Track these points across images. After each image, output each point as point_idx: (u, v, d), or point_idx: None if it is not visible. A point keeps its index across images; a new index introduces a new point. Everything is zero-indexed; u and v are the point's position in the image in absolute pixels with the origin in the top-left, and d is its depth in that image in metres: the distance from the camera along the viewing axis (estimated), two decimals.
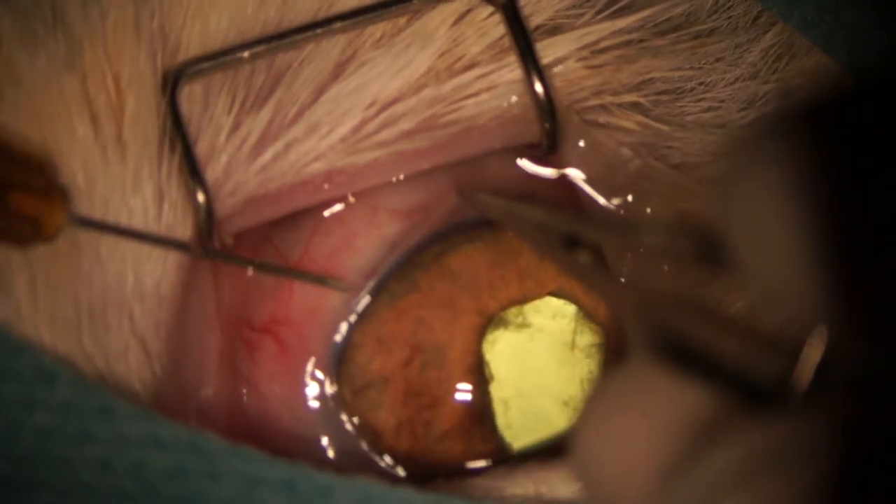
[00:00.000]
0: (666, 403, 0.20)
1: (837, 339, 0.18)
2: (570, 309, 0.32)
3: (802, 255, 0.17)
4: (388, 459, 0.31)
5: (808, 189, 0.17)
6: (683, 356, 0.20)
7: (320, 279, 0.32)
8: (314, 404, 0.32)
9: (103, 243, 0.28)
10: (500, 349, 0.32)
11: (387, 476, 0.31)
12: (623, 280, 0.28)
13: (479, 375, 0.32)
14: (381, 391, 0.31)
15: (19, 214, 0.26)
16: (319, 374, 0.32)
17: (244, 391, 0.32)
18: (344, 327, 0.32)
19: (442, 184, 0.31)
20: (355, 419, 0.31)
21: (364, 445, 0.31)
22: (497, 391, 0.32)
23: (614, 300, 0.29)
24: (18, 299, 0.27)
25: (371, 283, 0.32)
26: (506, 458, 0.31)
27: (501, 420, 0.32)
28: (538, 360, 0.32)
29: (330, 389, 0.31)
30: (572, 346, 0.32)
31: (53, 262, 0.28)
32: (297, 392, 0.31)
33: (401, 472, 0.31)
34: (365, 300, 0.32)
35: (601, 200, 0.31)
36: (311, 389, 0.32)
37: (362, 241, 0.32)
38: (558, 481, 0.29)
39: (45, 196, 0.27)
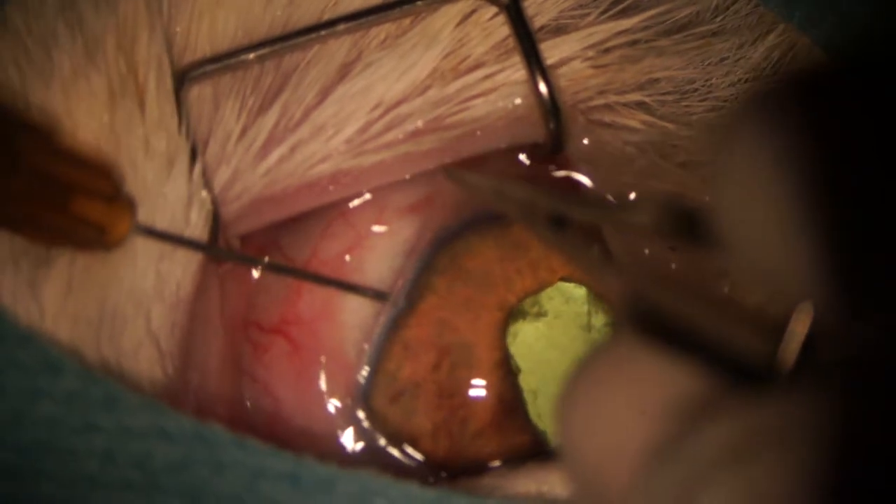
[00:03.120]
0: (653, 383, 0.19)
1: (828, 316, 0.18)
2: (581, 291, 0.32)
3: (790, 230, 0.17)
4: (409, 453, 0.31)
5: (794, 162, 0.17)
6: (670, 335, 0.20)
7: (362, 290, 0.32)
8: (329, 402, 0.32)
9: (140, 249, 0.29)
10: (522, 340, 0.32)
11: (404, 469, 0.31)
12: (611, 259, 0.28)
13: (507, 369, 0.32)
14: (414, 397, 0.32)
15: (82, 219, 0.27)
16: (334, 372, 0.32)
17: (250, 392, 0.32)
18: (361, 337, 0.32)
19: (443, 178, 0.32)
20: (388, 426, 0.31)
21: (381, 440, 0.31)
22: (525, 382, 0.32)
23: (601, 279, 0.28)
24: (47, 295, 0.28)
25: (398, 291, 0.32)
26: (544, 450, 0.32)
27: (532, 410, 0.32)
28: (558, 346, 0.32)
29: (346, 388, 0.31)
30: (589, 327, 0.32)
31: (95, 269, 0.28)
32: (310, 391, 0.31)
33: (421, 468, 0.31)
34: (384, 311, 0.32)
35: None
36: (328, 388, 0.32)
37: (372, 241, 0.32)
38: (558, 481, 0.29)
39: (110, 203, 0.27)
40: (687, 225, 0.20)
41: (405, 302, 0.31)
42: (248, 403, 0.32)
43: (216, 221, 0.30)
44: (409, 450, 0.31)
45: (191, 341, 0.30)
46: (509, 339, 0.32)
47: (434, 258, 0.32)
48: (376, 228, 0.32)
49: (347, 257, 0.32)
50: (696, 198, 0.29)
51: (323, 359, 0.32)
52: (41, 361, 0.25)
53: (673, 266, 0.29)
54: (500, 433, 0.31)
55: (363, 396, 0.31)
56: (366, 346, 0.32)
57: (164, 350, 0.29)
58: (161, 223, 0.29)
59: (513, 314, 0.32)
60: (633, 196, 0.30)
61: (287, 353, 0.32)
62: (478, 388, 0.32)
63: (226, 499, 0.25)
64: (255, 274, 0.32)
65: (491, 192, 0.27)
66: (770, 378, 0.19)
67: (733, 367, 0.19)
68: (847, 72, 0.18)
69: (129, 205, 0.28)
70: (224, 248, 0.31)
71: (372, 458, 0.31)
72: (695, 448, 0.18)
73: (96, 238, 0.27)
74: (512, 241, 0.32)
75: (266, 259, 0.32)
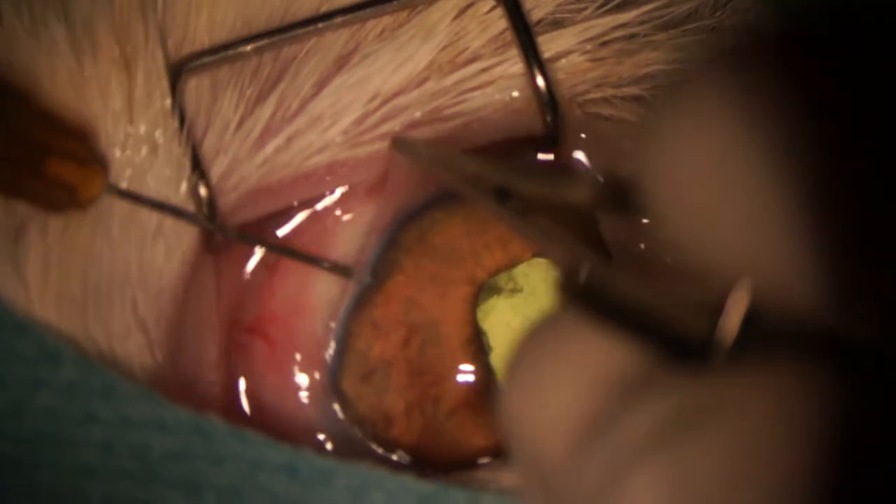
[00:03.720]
0: (592, 356, 0.19)
1: (774, 294, 0.17)
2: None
3: (769, 214, 0.16)
4: (384, 448, 0.31)
5: (773, 130, 0.16)
6: (614, 310, 0.19)
7: (334, 268, 0.32)
8: (305, 397, 0.32)
9: (115, 222, 0.29)
10: (496, 318, 0.31)
11: (385, 463, 0.31)
12: (555, 232, 0.28)
13: (478, 346, 0.31)
14: (385, 375, 0.31)
15: (56, 181, 0.27)
16: (309, 367, 0.32)
17: (242, 387, 0.32)
18: (328, 318, 0.32)
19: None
20: (361, 407, 0.31)
21: (358, 433, 0.31)
22: (498, 360, 0.31)
23: (545, 252, 0.28)
24: (30, 273, 0.28)
25: (362, 270, 0.32)
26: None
27: None
28: None
29: (320, 379, 0.31)
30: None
31: (69, 237, 0.28)
32: (290, 387, 0.31)
33: (395, 458, 0.31)
34: (349, 288, 0.32)
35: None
36: (304, 383, 0.32)
37: (338, 227, 0.32)
38: None
39: (84, 164, 0.27)
40: (628, 198, 0.20)
41: (371, 279, 0.31)
42: (243, 398, 0.32)
43: (213, 211, 0.30)
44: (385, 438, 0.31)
45: (182, 332, 0.30)
46: (481, 317, 0.31)
47: (400, 235, 0.32)
48: (341, 213, 0.32)
49: (320, 244, 0.32)
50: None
51: (298, 356, 0.32)
52: (40, 351, 0.25)
53: (617, 239, 0.29)
54: (475, 412, 0.31)
55: (332, 377, 0.31)
56: (333, 325, 0.31)
57: (152, 338, 0.29)
58: (142, 213, 0.29)
59: (485, 290, 0.31)
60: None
61: (265, 351, 0.32)
62: (449, 366, 0.31)
63: (224, 490, 0.25)
64: (249, 266, 0.32)
65: (438, 163, 0.26)
66: (711, 356, 0.18)
67: (676, 343, 0.18)
68: (849, 27, 0.16)
69: (101, 166, 0.28)
70: (220, 237, 0.31)
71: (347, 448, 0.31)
72: (623, 428, 0.18)
73: (68, 199, 0.28)
74: (480, 217, 0.31)
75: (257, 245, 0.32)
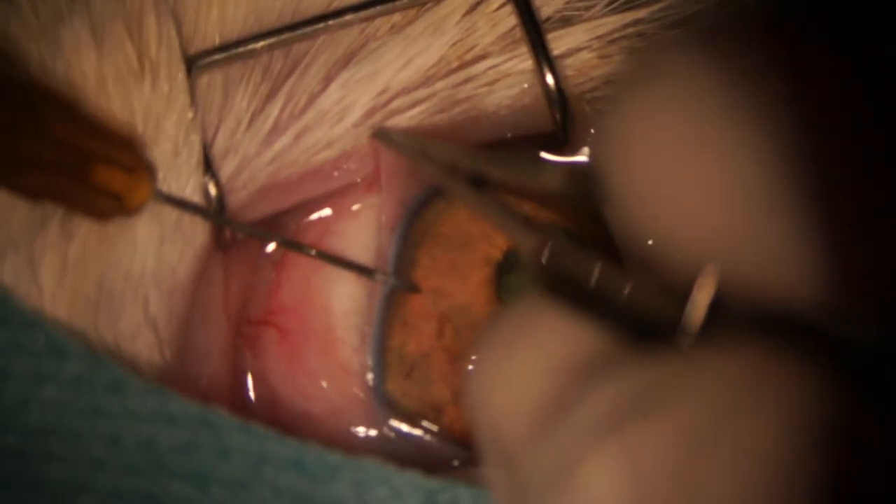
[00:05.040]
0: (556, 340, 0.19)
1: (743, 278, 0.17)
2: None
3: (762, 204, 0.16)
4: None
5: (764, 114, 0.16)
6: (581, 296, 0.19)
7: (361, 268, 0.32)
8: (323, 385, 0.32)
9: (140, 226, 0.29)
10: (517, 291, 0.31)
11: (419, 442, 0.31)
12: (525, 218, 0.28)
13: None
14: (426, 368, 0.31)
15: (102, 188, 0.27)
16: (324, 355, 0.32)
17: (250, 382, 0.32)
18: (361, 323, 0.32)
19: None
20: (408, 403, 0.31)
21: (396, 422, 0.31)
22: None
23: (515, 238, 0.28)
24: (44, 272, 0.28)
25: (386, 272, 0.32)
26: None
27: None
28: None
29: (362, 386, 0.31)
30: None
31: (91, 238, 0.28)
32: (304, 376, 0.31)
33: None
34: (375, 291, 0.32)
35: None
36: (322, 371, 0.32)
37: (342, 224, 0.32)
38: None
39: (130, 172, 0.28)
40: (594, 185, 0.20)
41: (396, 279, 0.31)
42: (251, 392, 0.32)
43: (222, 209, 0.30)
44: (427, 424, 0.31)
45: (191, 329, 0.30)
46: (504, 294, 0.31)
47: (409, 232, 0.32)
48: (344, 209, 0.32)
49: (325, 241, 0.32)
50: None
51: (313, 342, 0.32)
52: (47, 345, 0.25)
53: (585, 226, 0.29)
54: None
55: (377, 379, 0.31)
56: (367, 330, 0.32)
57: (161, 336, 0.29)
58: (164, 211, 0.29)
59: (500, 268, 0.31)
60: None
61: (277, 340, 0.32)
62: None
63: (231, 484, 0.25)
64: (259, 262, 0.32)
65: (414, 152, 0.27)
66: (676, 342, 0.18)
67: (642, 329, 0.18)
68: (832, 11, 0.16)
69: (148, 173, 0.28)
70: (230, 231, 0.31)
71: (383, 442, 0.31)
72: (580, 411, 0.18)
73: (115, 207, 0.28)
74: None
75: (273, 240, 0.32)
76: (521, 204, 0.30)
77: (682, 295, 0.18)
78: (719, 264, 0.17)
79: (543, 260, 0.20)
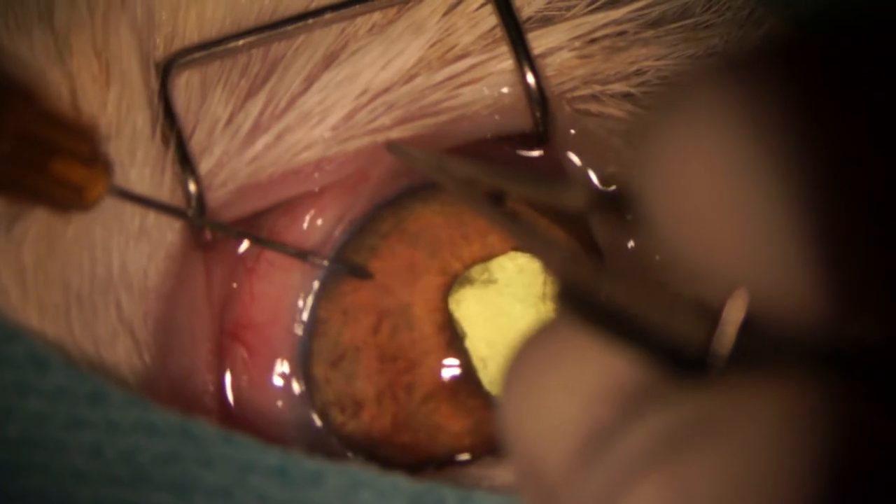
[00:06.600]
0: (590, 367, 0.19)
1: (774, 303, 0.17)
2: (536, 265, 0.32)
3: (772, 223, 0.16)
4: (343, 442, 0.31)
5: (779, 140, 0.16)
6: (610, 318, 0.19)
7: (298, 253, 0.31)
8: (282, 404, 0.32)
9: (97, 228, 0.28)
10: (468, 306, 0.31)
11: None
12: (550, 237, 0.28)
13: (451, 332, 0.31)
14: (354, 361, 0.31)
15: (62, 180, 0.27)
16: (287, 371, 0.32)
17: (230, 389, 0.32)
18: (307, 314, 0.32)
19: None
20: (329, 392, 0.31)
21: (335, 442, 0.31)
22: (473, 348, 0.31)
23: (540, 257, 0.28)
24: (7, 284, 0.27)
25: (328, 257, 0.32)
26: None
27: (484, 377, 0.31)
28: (509, 314, 0.32)
29: (298, 388, 0.31)
30: (544, 297, 0.31)
31: (47, 243, 0.28)
32: (269, 393, 0.31)
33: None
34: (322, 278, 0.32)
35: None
36: (284, 389, 0.32)
37: (311, 217, 0.32)
38: None
39: (89, 164, 0.27)
40: (623, 206, 0.20)
41: (342, 266, 0.31)
42: (230, 399, 0.32)
43: (202, 208, 0.30)
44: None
45: (172, 330, 0.30)
46: (453, 306, 0.31)
47: (375, 222, 0.32)
48: (314, 204, 0.32)
49: (293, 234, 0.32)
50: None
51: (278, 361, 0.32)
52: (28, 357, 0.25)
53: (613, 248, 0.29)
54: (452, 397, 0.31)
55: (303, 362, 0.31)
56: (304, 314, 0.31)
57: (139, 340, 0.29)
58: (126, 211, 0.29)
59: (458, 281, 0.31)
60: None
61: (243, 358, 0.32)
62: (422, 352, 0.31)
63: (214, 493, 0.25)
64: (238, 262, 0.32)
65: (431, 167, 0.26)
66: (707, 366, 0.18)
67: (675, 355, 0.18)
68: (858, 38, 0.16)
69: (106, 166, 0.28)
70: (207, 229, 0.30)
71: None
72: (623, 442, 0.17)
73: (74, 199, 0.28)
74: (459, 207, 0.31)
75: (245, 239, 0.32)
76: (539, 220, 0.30)
77: (711, 317, 0.18)
78: (747, 288, 0.17)
79: (573, 282, 0.19)
